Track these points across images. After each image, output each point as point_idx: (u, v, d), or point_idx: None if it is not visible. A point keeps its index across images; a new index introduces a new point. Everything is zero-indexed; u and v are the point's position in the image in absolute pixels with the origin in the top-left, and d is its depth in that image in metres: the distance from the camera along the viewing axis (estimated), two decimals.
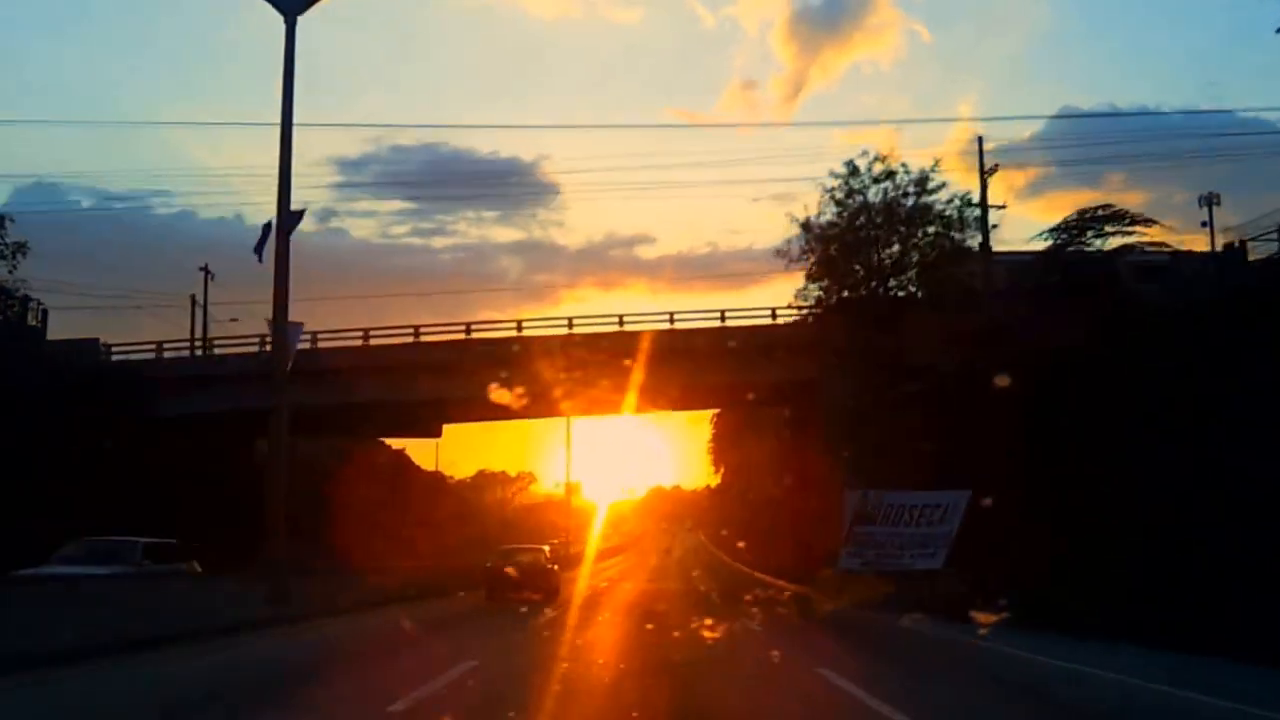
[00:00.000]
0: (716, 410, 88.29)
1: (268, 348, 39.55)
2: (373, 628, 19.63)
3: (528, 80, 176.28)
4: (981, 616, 18.91)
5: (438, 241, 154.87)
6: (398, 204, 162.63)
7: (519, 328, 37.79)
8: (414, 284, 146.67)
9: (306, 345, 38.20)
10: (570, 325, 37.75)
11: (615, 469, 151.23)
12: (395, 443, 68.45)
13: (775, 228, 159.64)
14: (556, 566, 33.20)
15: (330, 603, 22.95)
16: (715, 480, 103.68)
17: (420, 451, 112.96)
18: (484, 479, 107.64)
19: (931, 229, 35.66)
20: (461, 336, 37.78)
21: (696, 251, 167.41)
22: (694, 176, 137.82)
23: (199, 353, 41.86)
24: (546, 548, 35.49)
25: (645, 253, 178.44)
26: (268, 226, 19.71)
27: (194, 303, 57.21)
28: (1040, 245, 34.34)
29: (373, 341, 37.89)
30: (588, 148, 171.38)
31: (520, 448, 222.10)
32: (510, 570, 29.35)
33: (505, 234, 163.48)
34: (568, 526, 73.92)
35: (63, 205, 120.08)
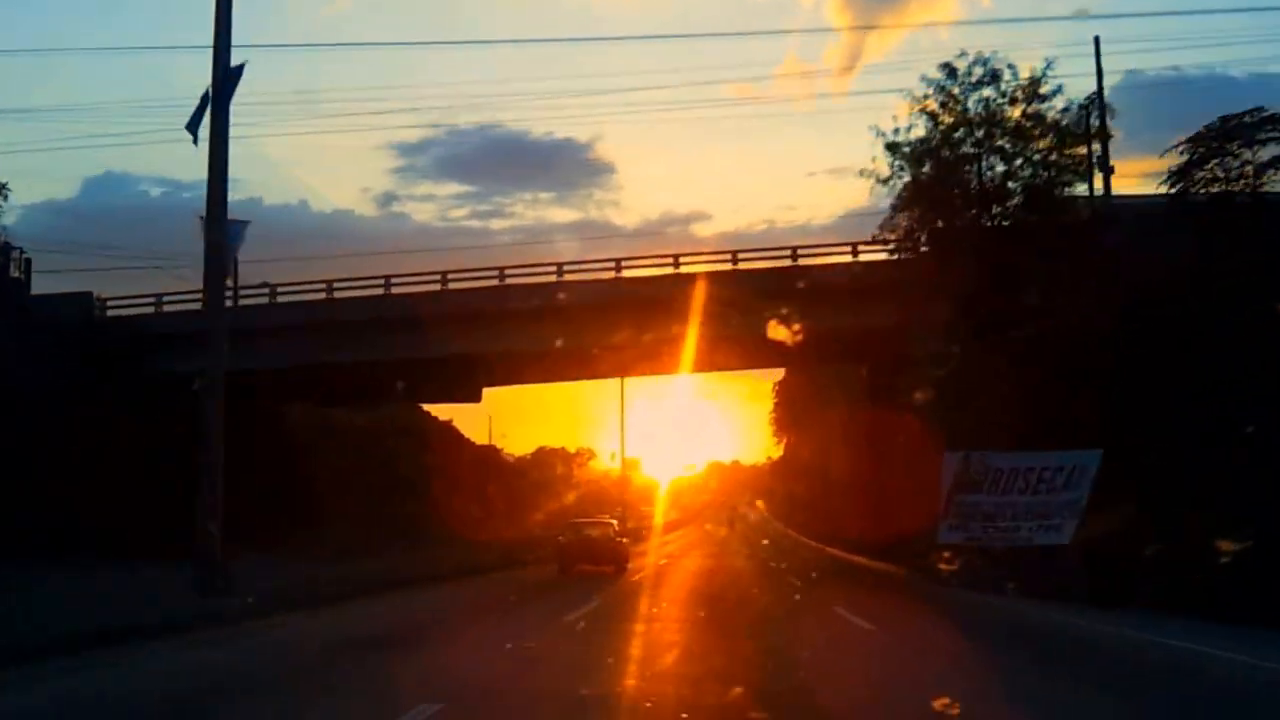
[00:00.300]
0: (778, 379, 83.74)
1: (279, 296, 35.38)
2: (347, 625, 14.96)
3: (581, 58, 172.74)
4: None
5: (495, 223, 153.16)
6: (456, 187, 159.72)
7: (559, 272, 32.99)
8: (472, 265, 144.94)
9: (321, 296, 34.04)
10: (618, 268, 32.85)
11: (674, 444, 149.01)
12: (440, 413, 64.69)
13: (831, 203, 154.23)
14: (626, 540, 33.43)
15: (316, 590, 18.42)
16: (777, 452, 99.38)
17: (473, 425, 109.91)
18: (544, 455, 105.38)
19: (1044, 143, 30.13)
20: (495, 283, 33.07)
21: (754, 228, 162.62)
22: (749, 152, 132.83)
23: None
24: (615, 522, 35.31)
25: (701, 230, 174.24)
26: (205, 97, 15.13)
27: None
28: (1176, 160, 28.99)
29: (394, 290, 33.32)
30: (643, 126, 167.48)
31: (576, 422, 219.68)
32: (581, 543, 29.81)
33: (562, 215, 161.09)
34: (624, 500, 69.30)
35: (132, 196, 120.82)
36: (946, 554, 28.13)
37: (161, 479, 32.01)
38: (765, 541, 56.13)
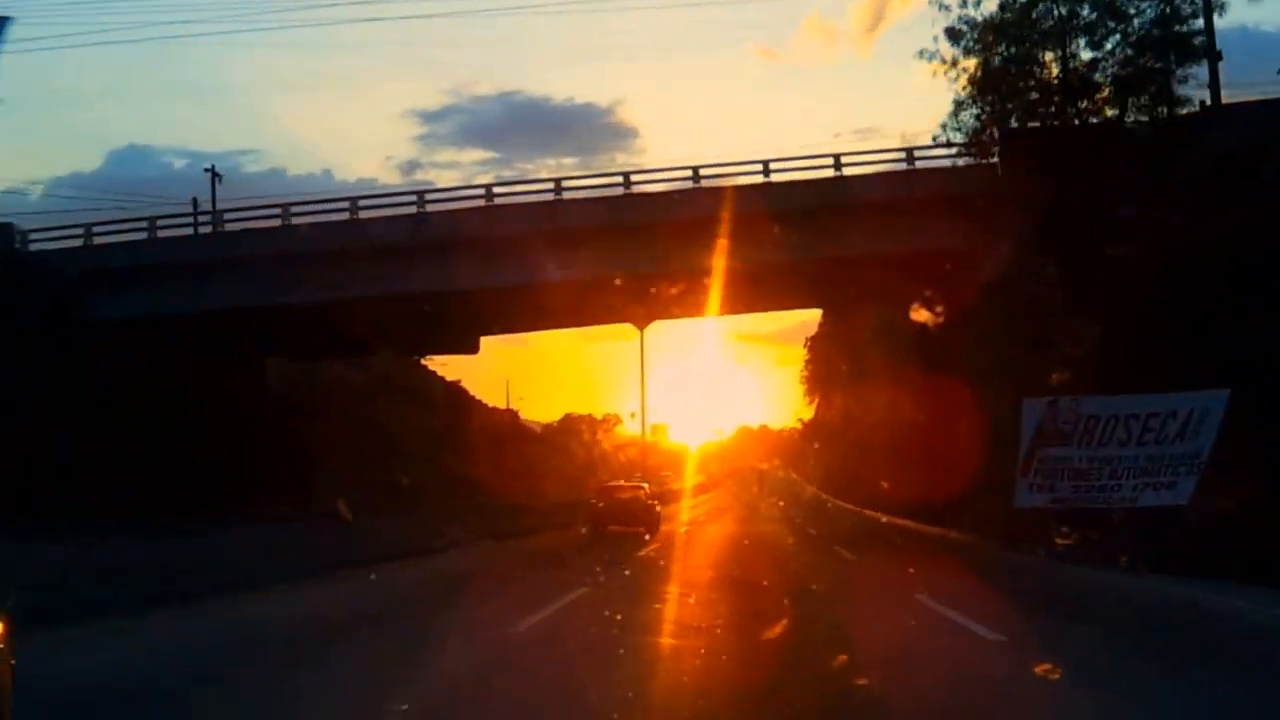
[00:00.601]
0: (810, 335, 78.27)
1: (225, 225, 30.55)
2: None
3: (603, 20, 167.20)
4: None
5: (520, 189, 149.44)
6: (479, 154, 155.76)
7: (557, 189, 27.70)
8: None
9: (277, 222, 29.14)
10: (627, 183, 27.55)
11: (701, 410, 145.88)
12: (449, 375, 60.14)
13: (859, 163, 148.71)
14: (656, 503, 33.81)
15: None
16: (808, 413, 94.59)
17: (491, 390, 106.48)
18: (570, 421, 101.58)
19: (1140, 20, 24.63)
20: (482, 203, 27.94)
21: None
22: (774, 113, 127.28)
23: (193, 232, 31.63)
24: (646, 485, 35.81)
25: None
26: None
27: (195, 206, 48.81)
28: None
29: (363, 215, 28.23)
30: (666, 89, 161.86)
31: (604, 388, 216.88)
32: (613, 506, 30.05)
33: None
34: (645, 464, 64.14)
35: (155, 168, 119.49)
36: (1035, 517, 23.14)
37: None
38: (798, 512, 50.83)
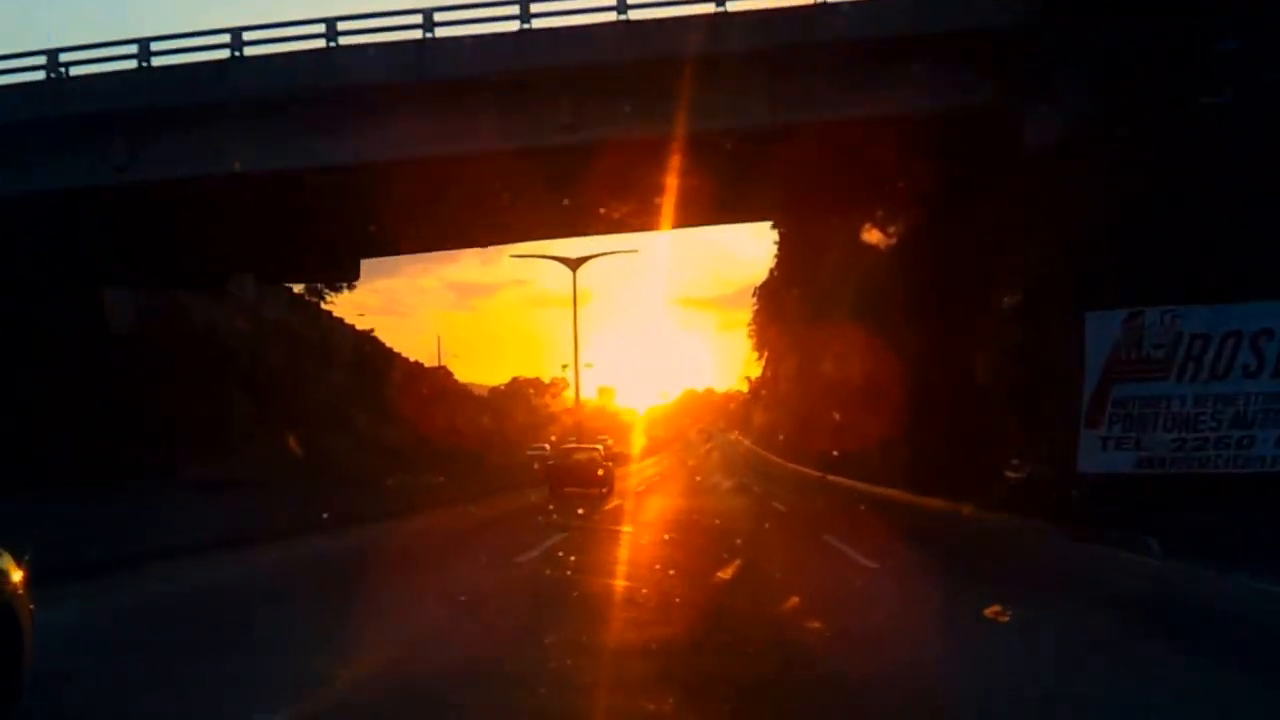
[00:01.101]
0: (760, 283, 71.49)
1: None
2: None
3: None
4: None
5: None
6: None
7: (429, 23, 19.64)
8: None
9: (40, 75, 21.02)
10: (525, 15, 19.59)
11: (645, 371, 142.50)
12: (362, 323, 52.69)
13: None
14: (611, 464, 34.29)
15: None
16: (756, 370, 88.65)
17: (423, 349, 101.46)
18: (518, 385, 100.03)
19: None
20: (322, 44, 19.83)
21: None
22: None
23: None
24: (600, 447, 36.53)
25: None
26: None
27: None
28: None
29: (156, 62, 20.02)
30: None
31: (551, 353, 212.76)
32: (569, 467, 30.72)
33: None
34: (582, 429, 56.34)
35: None
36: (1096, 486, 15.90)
37: None
38: (753, 478, 43.28)
